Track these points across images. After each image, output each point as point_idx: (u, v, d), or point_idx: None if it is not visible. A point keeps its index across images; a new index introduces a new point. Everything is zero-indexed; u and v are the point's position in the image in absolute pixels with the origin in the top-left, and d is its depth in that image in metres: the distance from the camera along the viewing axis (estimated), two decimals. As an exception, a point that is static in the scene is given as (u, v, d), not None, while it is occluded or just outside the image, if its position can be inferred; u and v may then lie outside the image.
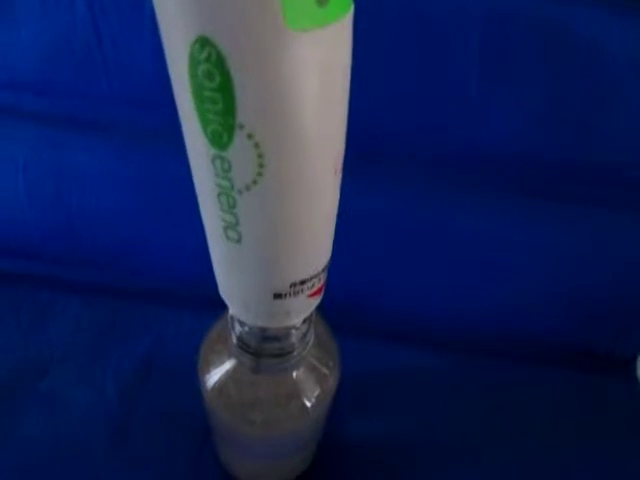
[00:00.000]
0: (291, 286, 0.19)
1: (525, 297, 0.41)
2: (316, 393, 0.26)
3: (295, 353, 0.23)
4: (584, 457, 0.37)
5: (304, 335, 0.23)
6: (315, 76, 0.13)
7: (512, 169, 0.38)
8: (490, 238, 0.39)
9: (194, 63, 0.13)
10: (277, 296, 0.19)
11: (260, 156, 0.14)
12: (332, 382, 0.27)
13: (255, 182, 0.15)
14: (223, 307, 0.22)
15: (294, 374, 0.25)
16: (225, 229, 0.17)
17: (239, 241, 0.17)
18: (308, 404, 0.26)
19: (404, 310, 0.42)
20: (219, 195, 0.16)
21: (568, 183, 0.38)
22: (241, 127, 0.14)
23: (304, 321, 0.22)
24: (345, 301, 0.37)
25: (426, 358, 0.41)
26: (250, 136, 0.14)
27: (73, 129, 0.39)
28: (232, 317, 0.23)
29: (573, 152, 0.37)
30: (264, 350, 0.23)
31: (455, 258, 0.40)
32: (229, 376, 0.25)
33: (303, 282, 0.19)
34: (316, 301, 0.21)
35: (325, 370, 0.27)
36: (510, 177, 0.38)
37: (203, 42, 0.12)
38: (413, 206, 0.39)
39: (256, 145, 0.14)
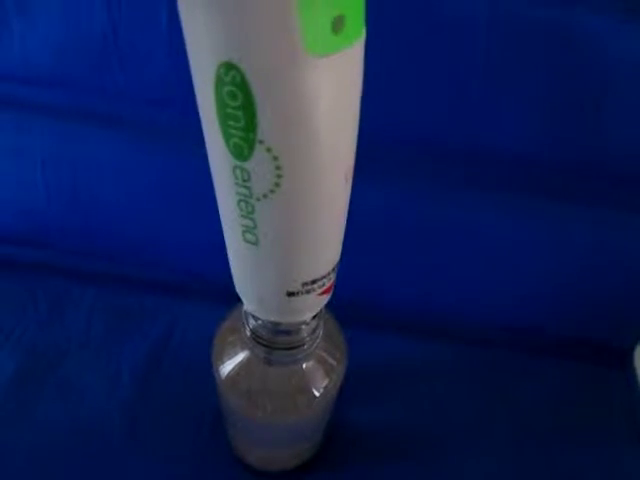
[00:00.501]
0: (303, 285, 0.20)
1: (524, 289, 0.42)
2: (324, 383, 0.27)
3: (305, 346, 0.24)
4: (582, 446, 0.37)
5: (314, 330, 0.24)
6: (330, 96, 0.14)
7: (514, 168, 0.38)
8: (491, 234, 0.40)
9: (219, 84, 0.14)
10: (290, 294, 0.20)
11: (278, 168, 0.15)
12: (339, 373, 0.28)
13: (272, 191, 0.16)
14: (236, 299, 0.23)
15: (304, 365, 0.26)
16: (244, 232, 0.18)
17: (256, 243, 0.18)
18: (317, 393, 0.27)
19: (408, 304, 0.43)
20: (239, 202, 0.17)
21: (568, 181, 0.38)
22: (261, 142, 0.15)
23: (314, 317, 0.23)
24: (352, 296, 0.38)
25: (429, 349, 0.42)
26: (269, 150, 0.15)
27: (90, 123, 0.40)
28: (246, 312, 0.24)
29: (574, 151, 0.37)
30: (276, 343, 0.24)
31: (457, 254, 0.41)
32: (242, 366, 0.26)
33: (314, 282, 0.20)
34: (326, 299, 0.22)
35: (333, 361, 0.27)
36: (512, 175, 0.38)
37: (228, 66, 0.13)
38: (416, 204, 0.39)
39: (274, 158, 0.15)
